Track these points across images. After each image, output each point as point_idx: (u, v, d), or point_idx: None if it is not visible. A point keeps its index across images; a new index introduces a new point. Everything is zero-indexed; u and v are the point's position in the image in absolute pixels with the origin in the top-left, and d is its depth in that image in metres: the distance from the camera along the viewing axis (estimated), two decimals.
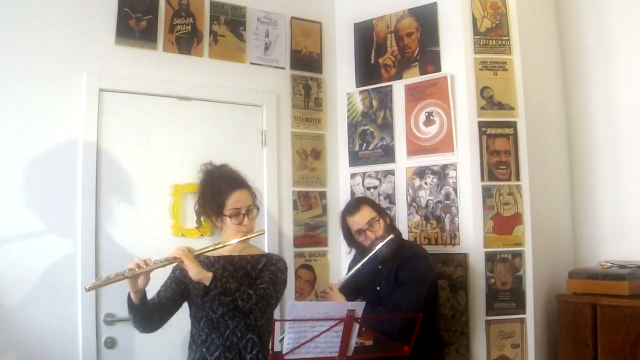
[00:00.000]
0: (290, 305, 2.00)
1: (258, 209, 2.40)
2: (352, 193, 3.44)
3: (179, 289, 2.31)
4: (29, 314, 2.53)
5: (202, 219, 2.42)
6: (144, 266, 2.09)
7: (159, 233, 2.90)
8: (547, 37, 3.42)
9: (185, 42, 3.06)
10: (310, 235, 3.37)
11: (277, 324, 2.30)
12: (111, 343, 2.72)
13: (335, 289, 2.64)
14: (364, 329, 2.33)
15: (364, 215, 2.69)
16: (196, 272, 2.13)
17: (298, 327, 1.91)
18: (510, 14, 3.13)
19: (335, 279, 3.38)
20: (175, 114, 3.01)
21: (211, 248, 2.27)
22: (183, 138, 3.01)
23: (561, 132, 3.41)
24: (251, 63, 3.27)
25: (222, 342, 2.24)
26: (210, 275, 2.13)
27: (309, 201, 3.39)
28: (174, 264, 2.23)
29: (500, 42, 3.11)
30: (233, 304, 2.13)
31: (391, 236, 2.64)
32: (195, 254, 2.19)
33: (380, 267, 2.72)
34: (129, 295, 2.15)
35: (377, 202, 3.32)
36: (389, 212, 3.07)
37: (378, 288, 2.71)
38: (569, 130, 3.43)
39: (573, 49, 3.43)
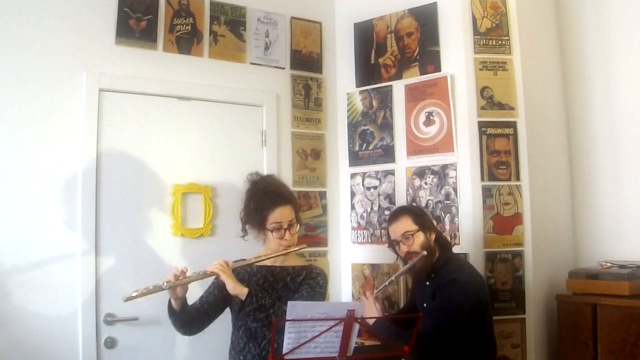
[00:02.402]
0: (290, 305, 2.00)
1: (300, 223, 2.43)
2: (352, 193, 3.44)
3: (221, 295, 2.34)
4: (29, 314, 2.53)
5: (247, 227, 2.45)
6: (181, 277, 2.17)
7: (159, 233, 2.90)
8: (547, 37, 3.42)
9: (185, 42, 3.06)
10: (310, 235, 3.37)
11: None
12: (111, 343, 2.71)
13: (372, 297, 2.55)
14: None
15: (400, 227, 2.59)
16: (232, 287, 2.20)
17: (298, 327, 1.91)
18: (510, 14, 3.12)
19: (335, 278, 3.39)
20: (175, 114, 3.01)
21: (249, 262, 2.32)
22: (183, 138, 3.01)
23: (561, 132, 3.41)
24: (251, 63, 3.27)
25: (259, 351, 2.28)
26: (245, 291, 2.19)
27: (309, 201, 3.39)
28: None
29: (500, 42, 3.11)
30: (268, 320, 2.19)
31: (423, 253, 2.52)
32: (233, 267, 2.26)
33: (427, 283, 2.60)
34: (169, 301, 2.23)
35: (378, 201, 3.33)
36: (434, 224, 2.79)
37: (425, 305, 2.59)
38: (569, 130, 3.43)
39: (573, 49, 3.43)
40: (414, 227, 2.57)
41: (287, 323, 1.91)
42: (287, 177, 3.32)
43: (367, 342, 2.79)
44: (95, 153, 2.75)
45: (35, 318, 2.54)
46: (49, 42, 2.69)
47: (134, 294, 2.15)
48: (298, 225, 2.41)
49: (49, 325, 2.57)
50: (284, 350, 1.92)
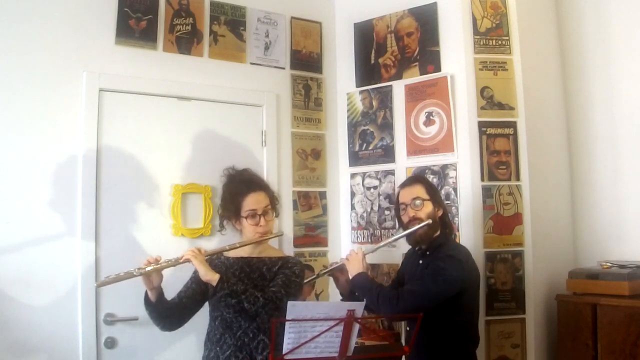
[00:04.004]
0: (290, 305, 2.00)
1: (276, 212, 2.44)
2: (352, 193, 3.44)
3: (200, 289, 2.36)
4: (29, 314, 2.53)
5: (224, 222, 2.45)
6: (154, 264, 2.16)
7: (159, 233, 2.90)
8: (547, 37, 3.42)
9: (185, 42, 3.06)
10: (310, 235, 3.37)
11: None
12: (111, 343, 2.72)
13: (360, 253, 2.55)
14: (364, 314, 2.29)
15: (412, 192, 2.58)
16: (204, 273, 2.19)
17: (298, 327, 1.91)
18: (510, 14, 3.13)
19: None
20: (175, 114, 3.01)
21: (222, 249, 2.32)
22: (183, 138, 3.01)
23: (561, 132, 3.41)
24: (251, 63, 3.27)
25: (234, 342, 2.27)
26: (217, 277, 2.18)
27: (309, 201, 3.39)
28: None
29: (500, 42, 3.11)
30: (239, 306, 2.17)
31: (428, 221, 2.50)
32: (206, 255, 2.25)
33: (420, 261, 2.58)
34: (146, 292, 2.23)
35: (378, 201, 3.33)
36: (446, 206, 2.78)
37: None
38: (569, 130, 3.43)
39: (573, 49, 3.43)
40: (426, 196, 2.57)
41: (287, 323, 1.91)
42: (287, 177, 3.33)
43: (367, 342, 2.79)
44: (95, 153, 2.75)
45: (35, 318, 2.54)
46: (49, 42, 2.69)
47: (106, 279, 2.15)
48: (274, 213, 2.41)
49: (49, 325, 2.57)
50: (284, 350, 1.93)
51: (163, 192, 2.94)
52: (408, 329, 2.60)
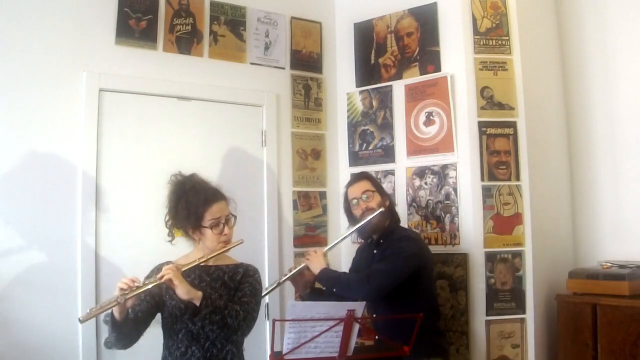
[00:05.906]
0: (290, 305, 2.00)
1: (235, 217, 2.35)
2: None
3: (154, 301, 2.26)
4: (29, 314, 2.53)
5: (174, 231, 2.36)
6: (134, 287, 2.05)
7: (158, 233, 2.88)
8: (547, 37, 3.42)
9: (185, 42, 3.06)
10: (310, 235, 3.37)
11: (277, 324, 2.30)
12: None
13: (320, 252, 2.74)
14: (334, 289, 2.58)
15: (361, 186, 2.77)
16: (186, 292, 2.09)
17: (298, 327, 1.91)
18: (510, 14, 3.13)
19: None
20: (175, 114, 3.01)
21: (196, 262, 2.22)
22: (183, 138, 3.01)
23: (561, 132, 3.41)
24: (251, 63, 3.27)
25: (203, 353, 2.19)
26: (200, 294, 2.09)
27: (309, 201, 3.39)
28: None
29: (500, 42, 3.11)
30: (223, 322, 2.11)
31: (381, 209, 2.68)
32: (183, 270, 2.15)
33: (375, 251, 2.74)
34: (111, 313, 2.10)
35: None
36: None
37: None
38: (569, 130, 3.43)
39: (573, 49, 3.43)
40: (373, 189, 2.78)
41: (287, 323, 1.91)
42: (287, 177, 3.33)
43: (367, 342, 2.79)
44: (95, 153, 2.75)
45: (35, 318, 2.54)
46: (49, 42, 2.69)
47: (90, 312, 2.03)
48: (234, 219, 2.34)
49: (49, 325, 2.57)
50: (284, 351, 1.93)
51: (163, 192, 2.93)
52: (375, 315, 2.71)
